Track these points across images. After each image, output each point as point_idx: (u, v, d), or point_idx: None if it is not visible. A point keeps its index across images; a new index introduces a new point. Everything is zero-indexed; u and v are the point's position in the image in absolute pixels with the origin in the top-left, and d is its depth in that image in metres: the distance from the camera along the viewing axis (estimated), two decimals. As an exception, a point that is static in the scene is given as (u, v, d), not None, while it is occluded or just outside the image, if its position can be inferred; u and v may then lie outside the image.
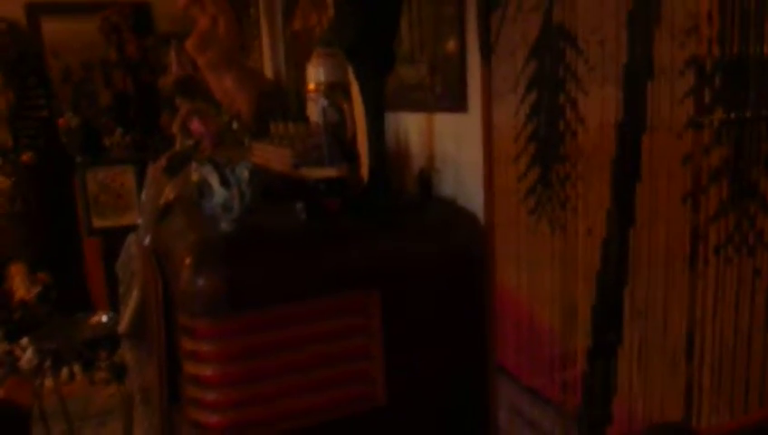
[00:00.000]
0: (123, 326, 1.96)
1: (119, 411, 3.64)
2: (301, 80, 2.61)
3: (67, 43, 4.58)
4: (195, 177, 1.58)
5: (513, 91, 1.18)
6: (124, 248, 2.73)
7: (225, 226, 1.24)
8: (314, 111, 1.68)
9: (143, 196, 2.65)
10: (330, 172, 1.32)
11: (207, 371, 1.17)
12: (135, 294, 1.99)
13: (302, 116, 2.35)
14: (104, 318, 2.67)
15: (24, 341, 3.97)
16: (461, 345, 1.34)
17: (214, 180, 1.40)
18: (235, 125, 2.55)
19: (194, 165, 1.57)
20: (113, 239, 4.17)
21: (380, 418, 1.29)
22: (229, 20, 2.55)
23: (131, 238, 2.74)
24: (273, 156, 1.52)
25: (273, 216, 1.31)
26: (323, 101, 1.64)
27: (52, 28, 4.41)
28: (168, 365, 1.47)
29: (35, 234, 4.29)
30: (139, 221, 2.69)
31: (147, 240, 2.25)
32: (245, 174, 1.23)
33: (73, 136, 4.30)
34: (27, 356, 3.96)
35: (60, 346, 2.82)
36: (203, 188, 1.47)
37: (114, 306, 3.70)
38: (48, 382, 3.23)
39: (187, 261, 1.17)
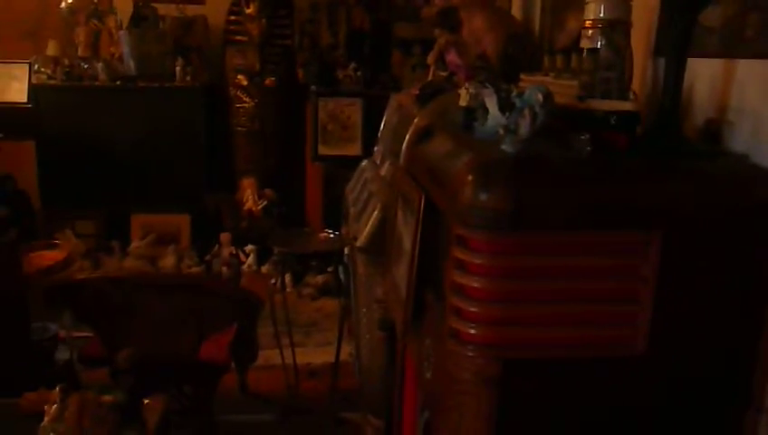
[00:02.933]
0: (362, 241, 2.07)
1: (322, 324, 3.94)
2: (554, 25, 2.53)
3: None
4: (464, 101, 1.60)
5: None
6: (357, 173, 2.88)
7: (507, 147, 1.24)
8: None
9: (383, 124, 2.76)
10: (624, 106, 1.27)
11: (475, 283, 1.19)
12: (375, 213, 2.09)
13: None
14: (331, 235, 2.84)
15: (249, 247, 4.41)
16: (739, 311, 1.24)
17: (492, 104, 1.41)
18: (478, 63, 2.55)
19: (465, 89, 1.59)
20: (334, 167, 4.46)
21: (634, 366, 1.24)
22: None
23: (365, 164, 2.88)
24: (550, 88, 1.48)
25: (553, 145, 1.29)
26: (601, 39, 1.57)
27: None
28: (417, 280, 1.54)
29: (267, 153, 4.68)
30: (375, 148, 2.82)
31: (387, 164, 2.35)
32: (539, 97, 1.21)
33: (309, 67, 4.59)
34: (249, 261, 4.40)
35: (284, 256, 3.07)
36: (476, 112, 1.49)
37: (331, 226, 3.96)
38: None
39: (470, 177, 1.19)
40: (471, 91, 1.56)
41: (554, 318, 1.21)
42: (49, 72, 4.58)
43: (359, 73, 4.36)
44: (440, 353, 1.34)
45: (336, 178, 4.36)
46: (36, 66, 4.56)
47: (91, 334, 2.72)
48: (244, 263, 4.33)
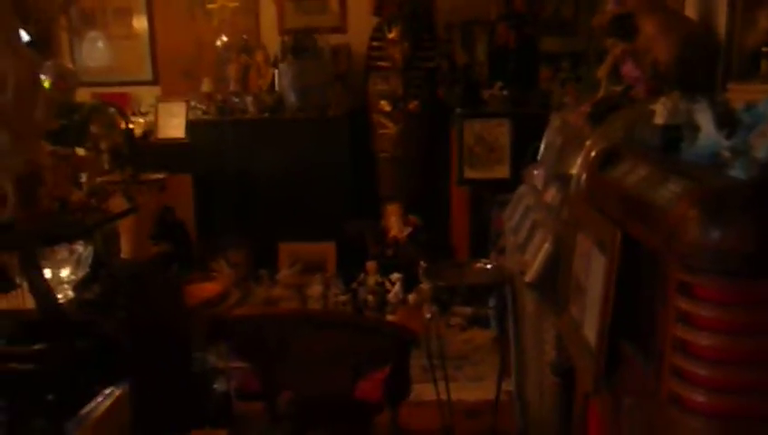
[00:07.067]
0: (532, 277, 1.88)
1: (473, 357, 3.74)
2: (748, 23, 2.22)
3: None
4: (661, 118, 1.39)
5: None
6: (514, 198, 2.70)
7: (739, 172, 1.02)
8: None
9: (542, 146, 2.56)
10: None
11: (705, 340, 0.98)
12: (546, 246, 1.90)
13: (744, 70, 1.99)
14: (487, 266, 2.67)
15: (395, 275, 4.32)
16: None
17: (705, 120, 1.19)
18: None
19: (662, 104, 1.38)
20: (480, 190, 4.28)
21: None
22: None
23: (523, 189, 2.69)
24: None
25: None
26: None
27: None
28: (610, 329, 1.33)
29: (411, 178, 4.60)
30: (534, 171, 2.62)
31: (553, 189, 2.15)
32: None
33: (453, 88, 4.46)
34: (395, 290, 4.30)
35: (438, 289, 2.93)
36: (681, 131, 1.28)
37: (478, 251, 3.78)
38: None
39: (695, 211, 0.98)
40: (670, 105, 1.35)
41: (811, 385, 0.96)
42: (203, 107, 4.81)
43: (505, 92, 4.17)
44: (650, 418, 1.13)
45: (483, 202, 4.19)
46: (192, 103, 4.79)
47: (246, 366, 2.73)
48: (389, 291, 4.24)
